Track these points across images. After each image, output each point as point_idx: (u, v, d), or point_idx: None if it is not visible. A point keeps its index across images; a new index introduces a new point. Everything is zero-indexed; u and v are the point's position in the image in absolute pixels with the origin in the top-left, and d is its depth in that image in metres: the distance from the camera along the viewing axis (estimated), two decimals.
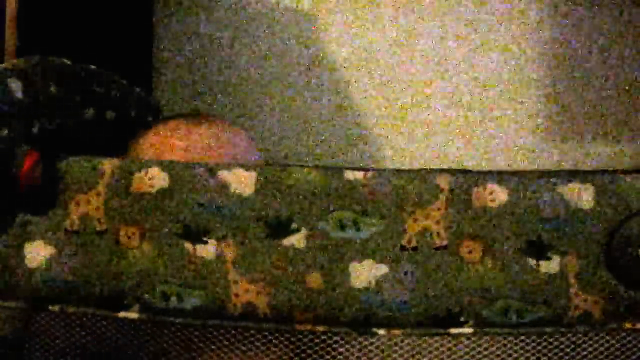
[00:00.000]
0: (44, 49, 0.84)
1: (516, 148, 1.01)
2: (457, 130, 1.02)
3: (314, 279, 0.48)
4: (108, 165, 0.49)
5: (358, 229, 0.48)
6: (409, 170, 0.48)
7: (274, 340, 0.50)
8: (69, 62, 0.68)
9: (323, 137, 1.04)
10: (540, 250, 0.48)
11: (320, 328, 0.49)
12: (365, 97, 1.04)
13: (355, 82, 1.04)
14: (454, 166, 1.01)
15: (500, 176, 0.49)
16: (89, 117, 0.68)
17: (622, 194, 0.48)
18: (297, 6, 1.05)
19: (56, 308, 0.49)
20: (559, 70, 1.01)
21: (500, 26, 1.01)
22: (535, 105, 1.00)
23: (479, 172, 0.85)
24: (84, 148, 0.66)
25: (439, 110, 1.02)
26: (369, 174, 0.48)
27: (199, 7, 1.08)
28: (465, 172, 0.89)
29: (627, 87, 0.99)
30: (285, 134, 1.05)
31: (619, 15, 0.99)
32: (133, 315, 0.49)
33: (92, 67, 0.70)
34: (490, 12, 1.01)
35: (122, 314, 0.49)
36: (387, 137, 1.03)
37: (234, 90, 1.07)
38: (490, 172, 0.48)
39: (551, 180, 0.48)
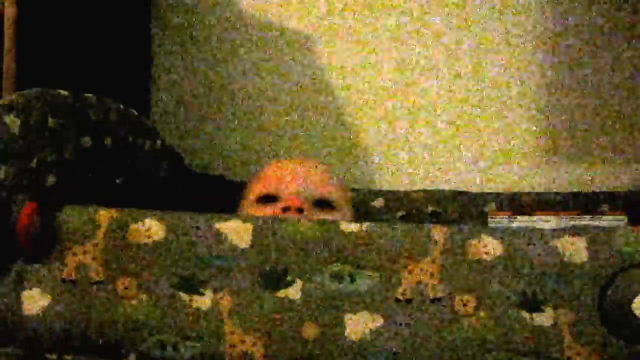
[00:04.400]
0: (42, 72, 0.84)
1: (513, 169, 1.01)
2: (455, 152, 1.02)
3: (310, 330, 0.48)
4: (105, 216, 0.49)
5: (353, 281, 0.48)
6: (404, 224, 0.48)
7: None
8: (65, 93, 0.68)
9: (323, 158, 1.05)
10: (533, 303, 0.48)
11: None
12: (365, 120, 1.04)
13: (355, 103, 1.04)
14: (451, 187, 1.01)
15: (493, 230, 0.49)
16: (86, 145, 0.68)
17: (615, 248, 0.48)
18: (298, 30, 1.05)
19: (54, 356, 0.49)
20: (557, 93, 1.01)
21: (499, 49, 1.01)
22: (532, 126, 1.01)
23: (472, 217, 0.85)
24: (83, 177, 0.67)
25: (437, 132, 1.02)
26: (364, 226, 0.48)
27: (198, 29, 1.07)
28: (461, 194, 0.89)
29: (623, 110, 0.99)
30: (284, 154, 1.05)
31: (616, 38, 0.99)
32: None
33: (89, 95, 0.70)
34: (488, 35, 1.01)
35: None
36: (386, 158, 1.03)
37: (232, 112, 1.07)
38: (484, 227, 0.48)
39: (544, 233, 0.48)
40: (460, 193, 0.90)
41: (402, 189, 0.98)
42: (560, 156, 1.02)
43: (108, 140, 0.71)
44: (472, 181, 1.02)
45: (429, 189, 0.97)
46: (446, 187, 1.02)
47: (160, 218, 0.49)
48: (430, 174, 1.03)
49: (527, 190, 1.01)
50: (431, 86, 1.03)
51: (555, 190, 1.00)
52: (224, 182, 0.95)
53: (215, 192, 0.96)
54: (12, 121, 0.57)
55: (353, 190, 0.92)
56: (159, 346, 0.48)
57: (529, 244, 0.48)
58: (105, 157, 0.71)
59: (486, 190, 0.99)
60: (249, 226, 0.48)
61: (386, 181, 1.03)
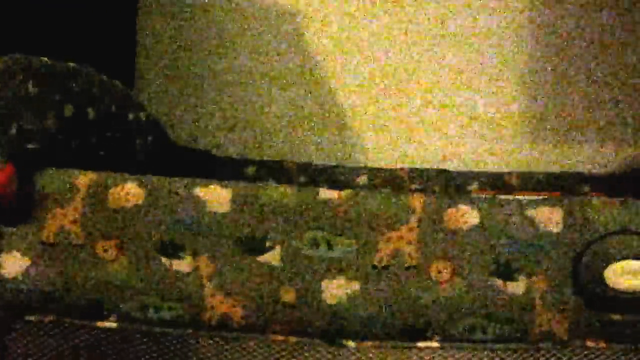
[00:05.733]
0: (22, 39, 0.83)
1: (499, 148, 1.02)
2: (441, 130, 1.02)
3: (288, 294, 0.49)
4: (84, 179, 0.49)
5: (331, 248, 0.49)
6: (382, 192, 0.49)
7: (248, 349, 0.51)
8: (47, 60, 0.67)
9: (307, 135, 1.05)
10: (507, 271, 0.49)
11: (293, 339, 0.50)
12: (349, 95, 1.04)
13: (340, 79, 1.04)
14: (436, 166, 1.02)
15: (472, 198, 0.49)
16: (68, 115, 0.68)
17: (590, 218, 0.49)
18: (288, 4, 1.05)
19: (33, 317, 0.50)
20: (546, 71, 1.02)
21: (487, 25, 1.01)
22: (518, 105, 1.01)
23: (453, 193, 0.86)
24: (65, 148, 0.66)
25: (422, 109, 1.03)
26: (343, 193, 0.49)
27: (184, 2, 1.07)
28: (445, 173, 0.90)
29: (609, 91, 1.00)
30: (269, 130, 1.05)
31: (608, 21, 1.00)
32: (111, 324, 0.50)
33: (72, 64, 0.70)
34: (477, 13, 1.02)
35: (100, 324, 0.50)
36: (370, 135, 1.04)
37: (218, 84, 1.06)
38: (463, 194, 0.49)
39: (522, 203, 0.49)
40: (444, 171, 0.91)
41: (385, 166, 0.99)
42: (545, 136, 1.03)
43: (91, 111, 0.71)
44: (457, 159, 1.03)
45: (413, 166, 0.98)
46: (430, 166, 1.02)
47: (140, 182, 0.49)
48: (415, 152, 1.03)
49: (511, 169, 1.02)
50: (417, 64, 1.03)
51: (539, 170, 1.01)
52: (209, 157, 0.96)
53: (200, 167, 0.96)
54: None
55: (336, 167, 0.93)
56: (140, 307, 0.49)
57: (505, 214, 0.49)
58: (88, 128, 0.71)
59: (470, 169, 1.00)
60: (229, 192, 0.49)
61: (370, 158, 1.04)
